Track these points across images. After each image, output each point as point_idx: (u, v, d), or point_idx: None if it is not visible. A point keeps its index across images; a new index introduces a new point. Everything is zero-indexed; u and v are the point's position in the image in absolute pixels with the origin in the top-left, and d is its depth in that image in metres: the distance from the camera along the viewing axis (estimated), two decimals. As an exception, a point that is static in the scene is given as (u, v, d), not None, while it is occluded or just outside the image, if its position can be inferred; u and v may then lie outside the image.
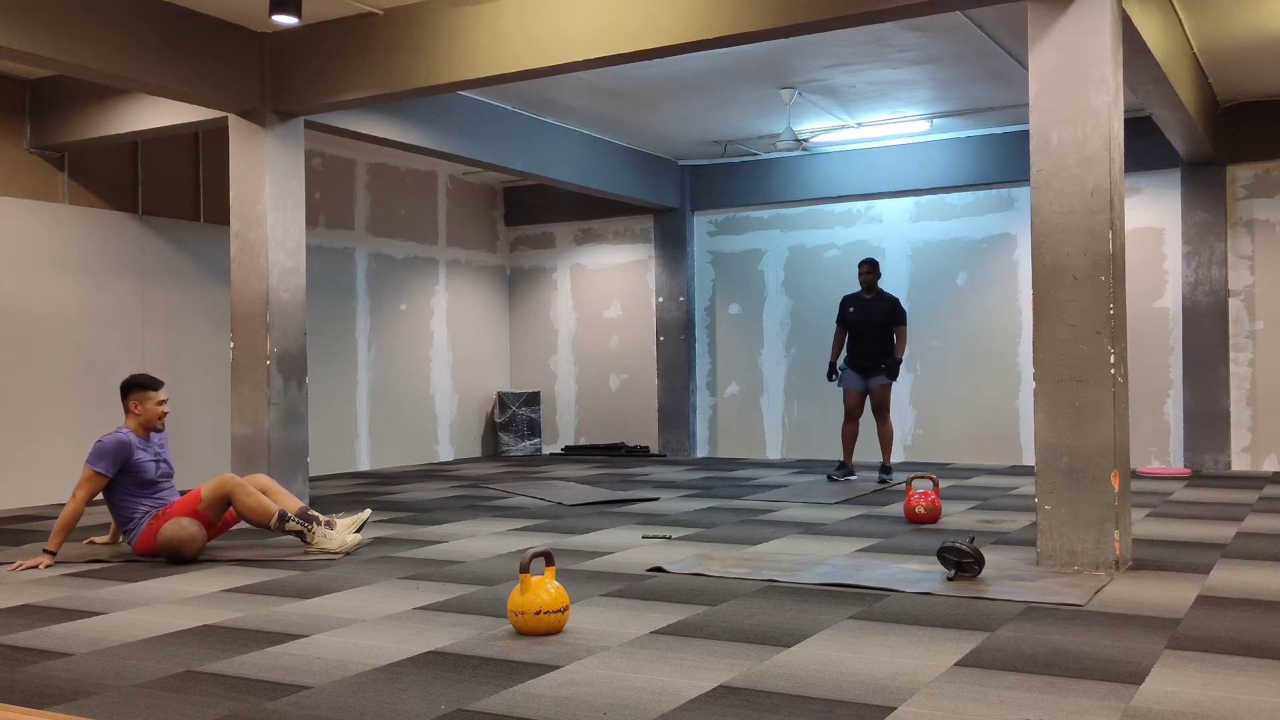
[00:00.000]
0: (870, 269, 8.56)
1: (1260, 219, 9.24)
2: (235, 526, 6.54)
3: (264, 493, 5.63)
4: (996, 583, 4.49)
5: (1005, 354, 10.12)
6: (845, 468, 8.69)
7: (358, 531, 5.67)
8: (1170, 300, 9.51)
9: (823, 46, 7.46)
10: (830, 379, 8.66)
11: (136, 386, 5.67)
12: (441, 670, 3.32)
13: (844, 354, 8.77)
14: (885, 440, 8.62)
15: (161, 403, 5.67)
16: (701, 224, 11.56)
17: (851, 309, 8.63)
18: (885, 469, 8.61)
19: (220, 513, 5.57)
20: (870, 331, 8.53)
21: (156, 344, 8.70)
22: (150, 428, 5.64)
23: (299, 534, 5.52)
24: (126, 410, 5.65)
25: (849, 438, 8.69)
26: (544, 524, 6.49)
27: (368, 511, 5.79)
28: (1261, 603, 4.10)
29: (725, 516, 6.71)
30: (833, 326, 10.80)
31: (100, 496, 5.53)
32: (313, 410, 9.65)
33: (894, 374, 8.54)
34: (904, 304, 8.99)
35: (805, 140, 10.01)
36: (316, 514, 5.64)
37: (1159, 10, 6.33)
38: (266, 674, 3.31)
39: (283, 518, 5.49)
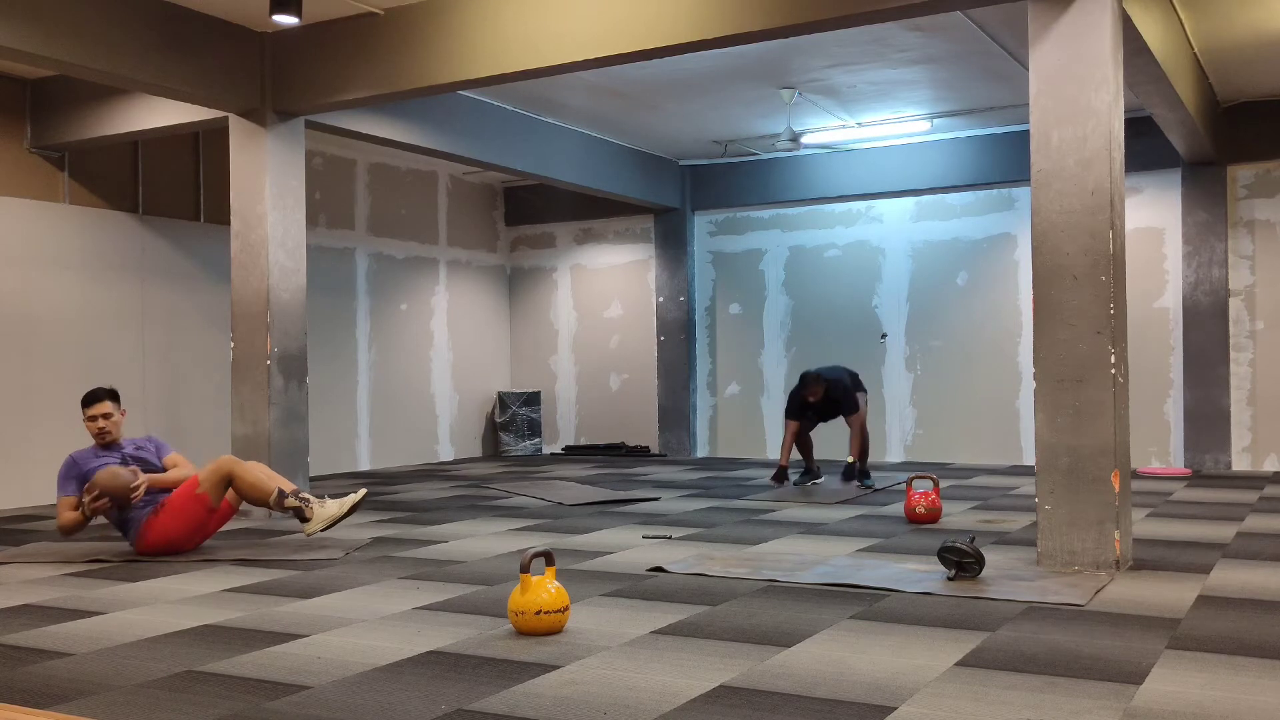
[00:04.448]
0: (815, 383, 7.94)
1: (1260, 219, 9.24)
2: (231, 526, 6.54)
3: None
4: (997, 583, 4.49)
5: (1005, 354, 10.12)
6: (810, 471, 8.37)
7: (355, 506, 5.60)
8: (1170, 300, 9.51)
9: (823, 46, 7.46)
10: (779, 481, 7.96)
11: (87, 402, 5.67)
12: (441, 670, 3.32)
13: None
14: (860, 448, 8.13)
15: (94, 418, 5.61)
16: (702, 224, 11.56)
17: (806, 412, 8.17)
18: (850, 464, 8.16)
19: (220, 495, 5.51)
20: (831, 413, 8.22)
21: (156, 344, 8.70)
22: (101, 443, 5.65)
23: (298, 511, 5.49)
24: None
25: (804, 448, 8.25)
26: (544, 524, 6.49)
27: (363, 490, 5.70)
28: (1261, 603, 4.10)
29: (725, 516, 6.71)
30: (830, 329, 10.85)
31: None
32: (313, 410, 9.65)
33: (853, 476, 7.95)
34: (861, 383, 8.25)
35: (805, 140, 10.01)
36: (310, 495, 5.61)
37: (1159, 10, 6.33)
38: (266, 674, 3.31)
39: (281, 495, 5.48)
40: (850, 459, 8.19)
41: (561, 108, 9.11)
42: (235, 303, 7.19)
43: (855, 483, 8.21)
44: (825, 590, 4.44)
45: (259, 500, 5.49)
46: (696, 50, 5.97)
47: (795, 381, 10.89)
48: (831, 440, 10.39)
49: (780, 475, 8.02)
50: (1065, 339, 4.85)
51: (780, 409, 11.07)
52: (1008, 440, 10.10)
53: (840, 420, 8.51)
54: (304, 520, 5.53)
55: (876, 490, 8.00)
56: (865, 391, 8.35)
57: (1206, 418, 9.26)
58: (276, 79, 7.09)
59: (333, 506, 5.54)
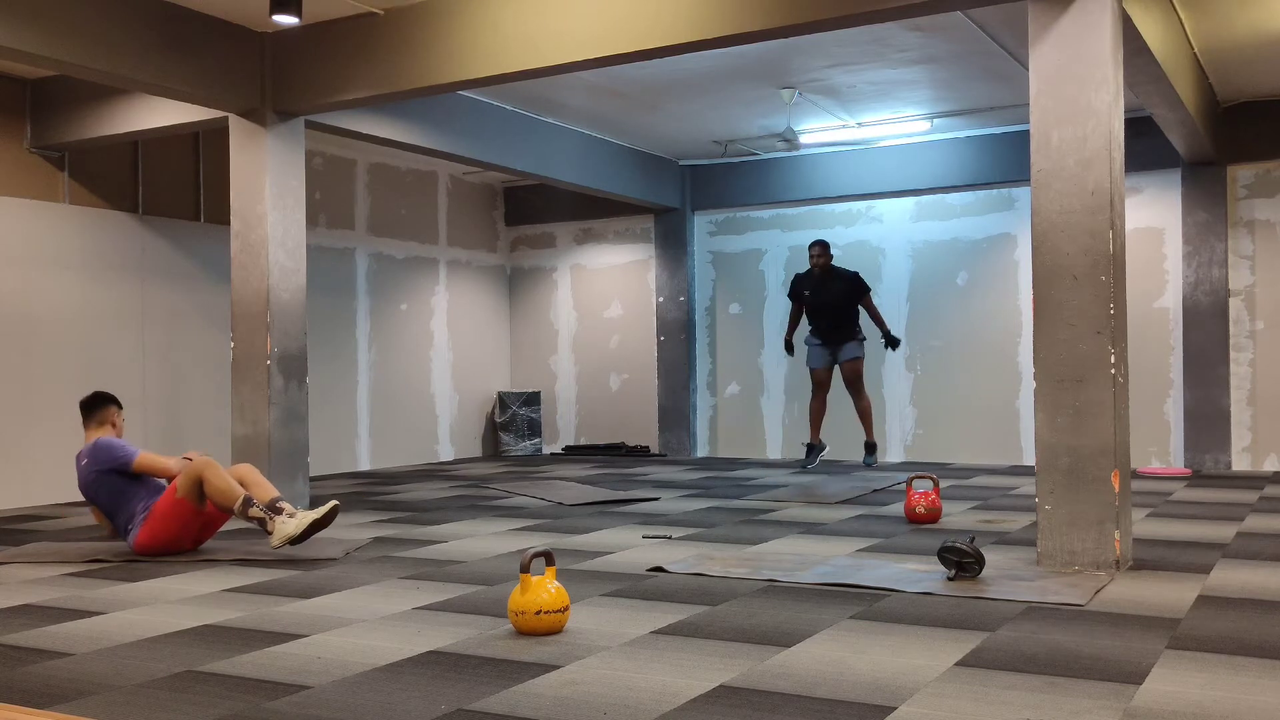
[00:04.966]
0: (821, 250, 8.24)
1: (1260, 219, 9.24)
2: (231, 526, 6.54)
3: (242, 482, 5.49)
4: (997, 583, 4.49)
5: (1005, 354, 10.12)
6: (814, 447, 8.50)
7: (325, 517, 5.39)
8: (1170, 300, 9.51)
9: (823, 46, 7.46)
10: (788, 352, 8.47)
11: (114, 401, 5.71)
12: (441, 670, 3.32)
13: (807, 330, 8.55)
14: (864, 414, 8.30)
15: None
16: (702, 224, 11.56)
17: (807, 292, 8.33)
18: (869, 446, 8.37)
19: (200, 497, 5.45)
20: (830, 311, 8.27)
21: (156, 344, 8.70)
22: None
23: (260, 521, 5.36)
24: (105, 423, 5.69)
25: (816, 413, 8.43)
26: (544, 524, 6.49)
27: (334, 502, 5.50)
28: (1261, 603, 4.10)
29: (725, 516, 6.71)
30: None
31: (87, 502, 5.59)
32: (313, 410, 9.65)
33: (895, 344, 8.23)
34: (866, 280, 8.55)
35: (805, 140, 10.01)
36: (287, 506, 5.45)
37: (1159, 10, 6.33)
38: (266, 674, 3.31)
39: (246, 504, 5.35)
40: (867, 439, 8.41)
41: (561, 108, 9.11)
42: (235, 303, 7.20)
43: (865, 460, 8.32)
44: (825, 590, 4.44)
45: (225, 508, 5.39)
46: (696, 50, 5.97)
47: (795, 382, 10.91)
48: (832, 433, 10.40)
49: (789, 347, 8.48)
50: (1065, 339, 4.85)
51: (780, 409, 11.07)
52: (1008, 440, 10.10)
53: (841, 413, 8.62)
54: (267, 533, 5.42)
55: (877, 490, 8.00)
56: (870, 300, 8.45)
57: (1206, 418, 9.26)
58: (276, 79, 7.09)
59: (290, 525, 5.34)
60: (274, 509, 5.40)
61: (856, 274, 8.30)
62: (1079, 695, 2.98)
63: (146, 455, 5.55)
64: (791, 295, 8.44)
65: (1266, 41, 7.47)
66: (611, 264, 11.94)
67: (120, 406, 5.79)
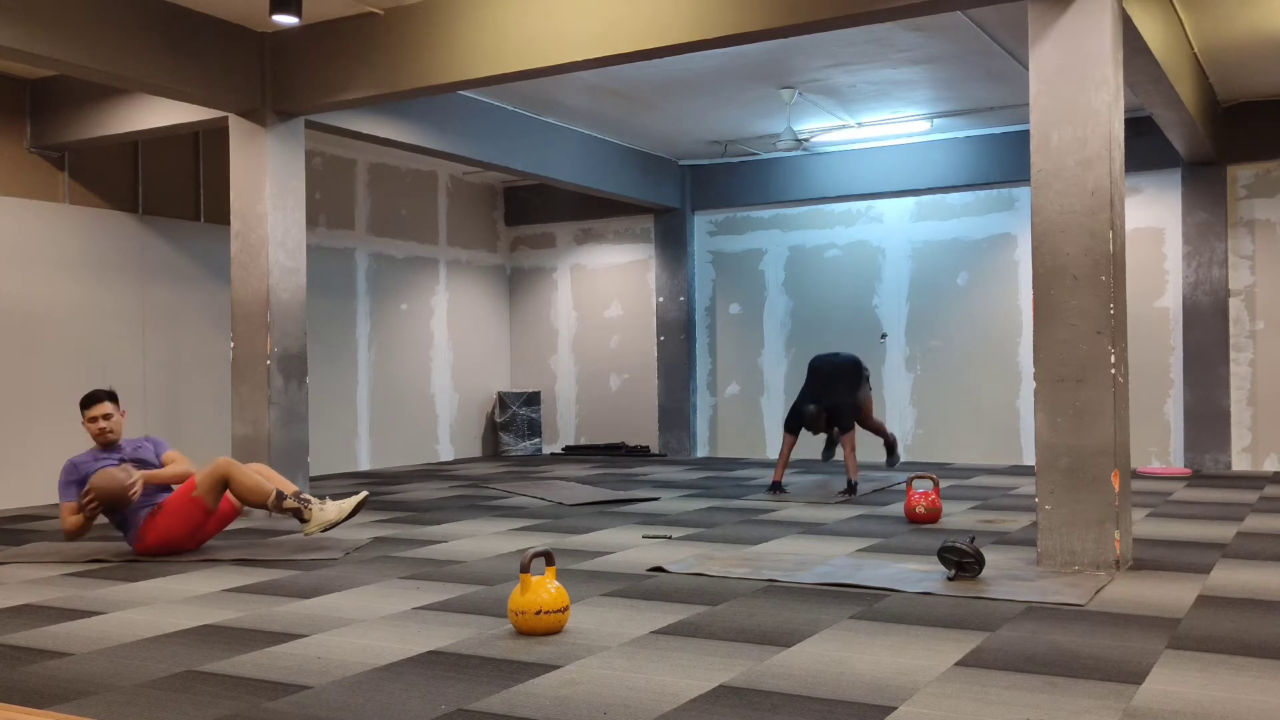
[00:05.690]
0: (817, 420, 7.71)
1: (1260, 219, 9.24)
2: (231, 526, 6.55)
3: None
4: (997, 583, 4.49)
5: (1005, 354, 10.12)
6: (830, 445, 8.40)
7: (356, 509, 5.59)
8: (1170, 300, 9.51)
9: (823, 46, 7.46)
10: (772, 492, 7.69)
11: (86, 404, 5.69)
12: (441, 670, 3.32)
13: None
14: (850, 462, 7.92)
15: (94, 419, 5.62)
16: (702, 224, 11.56)
17: (806, 430, 7.98)
18: (850, 483, 7.89)
19: (217, 498, 5.51)
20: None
21: (157, 344, 8.70)
22: (102, 443, 5.68)
23: (296, 512, 5.50)
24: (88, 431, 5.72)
25: (832, 443, 8.31)
26: (544, 524, 6.49)
27: (365, 493, 5.71)
28: (1261, 603, 4.10)
29: (725, 516, 6.71)
30: (830, 329, 10.84)
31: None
32: (313, 410, 9.65)
33: (852, 491, 7.77)
34: (866, 374, 8.08)
35: (805, 140, 10.01)
36: (312, 497, 5.62)
37: (1159, 10, 6.33)
38: (266, 674, 3.31)
39: (280, 497, 5.48)
40: (850, 479, 7.74)
41: (561, 108, 9.11)
42: (235, 303, 7.20)
43: (843, 493, 7.73)
44: (825, 590, 4.44)
45: (256, 503, 5.49)
46: (696, 50, 5.97)
47: (795, 382, 10.91)
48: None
49: (775, 488, 7.75)
50: (1065, 339, 4.85)
51: (780, 409, 11.07)
52: (1008, 440, 10.10)
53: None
54: (303, 521, 5.55)
55: (877, 490, 8.00)
56: (870, 388, 8.29)
57: (1206, 418, 9.26)
58: (276, 79, 7.09)
59: (331, 511, 5.55)
60: (303, 500, 5.55)
61: (849, 406, 7.90)
62: (1079, 695, 2.98)
63: (63, 508, 5.48)
64: (788, 427, 7.97)
65: (1266, 41, 7.47)
66: (611, 264, 11.94)
67: (99, 401, 5.66)
